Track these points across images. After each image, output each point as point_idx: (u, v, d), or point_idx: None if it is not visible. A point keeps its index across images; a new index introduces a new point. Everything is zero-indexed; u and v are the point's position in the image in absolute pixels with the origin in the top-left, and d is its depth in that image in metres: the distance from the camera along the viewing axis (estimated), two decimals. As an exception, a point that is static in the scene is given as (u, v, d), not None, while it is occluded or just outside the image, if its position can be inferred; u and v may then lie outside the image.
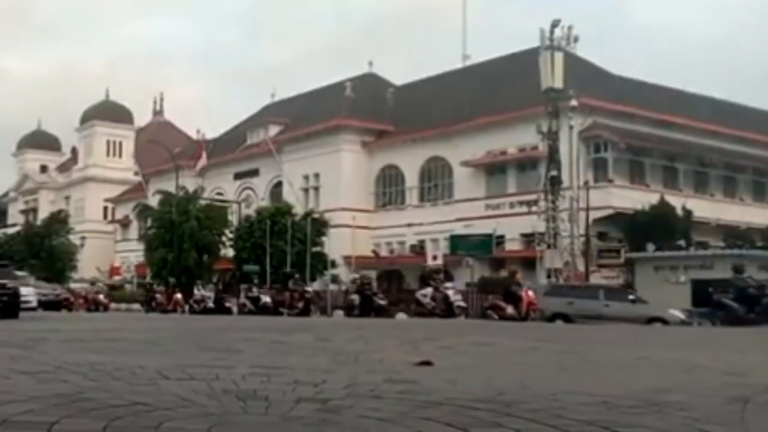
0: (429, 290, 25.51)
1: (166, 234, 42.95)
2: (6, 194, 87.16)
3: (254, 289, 34.97)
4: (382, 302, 27.97)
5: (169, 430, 2.50)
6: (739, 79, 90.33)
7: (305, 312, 30.64)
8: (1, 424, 2.51)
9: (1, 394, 3.17)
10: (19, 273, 38.27)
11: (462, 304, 24.87)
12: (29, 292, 31.34)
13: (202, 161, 57.16)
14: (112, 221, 72.92)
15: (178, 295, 37.52)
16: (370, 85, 55.34)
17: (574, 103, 35.93)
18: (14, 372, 4.13)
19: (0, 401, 2.98)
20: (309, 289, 34.03)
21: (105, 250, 68.04)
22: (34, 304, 31.88)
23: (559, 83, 35.19)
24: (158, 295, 39.18)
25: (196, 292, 37.29)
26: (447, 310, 24.04)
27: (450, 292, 24.94)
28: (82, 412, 2.79)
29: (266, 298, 33.16)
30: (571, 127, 36.43)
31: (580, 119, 38.33)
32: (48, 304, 33.42)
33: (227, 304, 34.42)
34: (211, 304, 35.05)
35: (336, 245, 41.98)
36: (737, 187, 46.01)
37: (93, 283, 40.17)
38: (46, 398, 3.10)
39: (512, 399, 3.41)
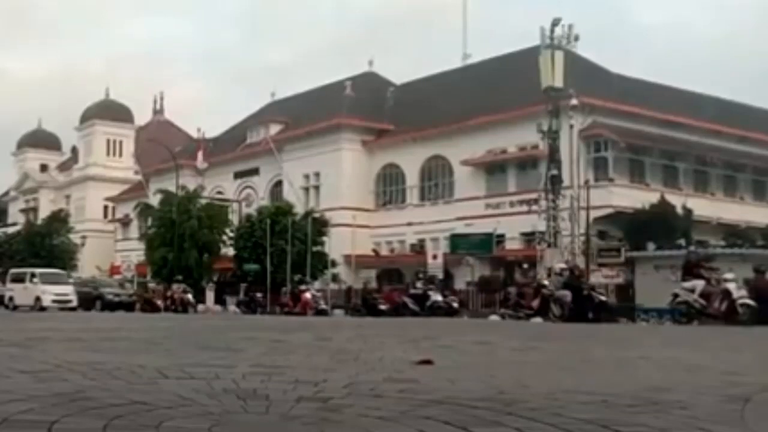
0: (698, 283, 20.98)
1: (167, 233, 42.97)
2: (6, 193, 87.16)
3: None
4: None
5: (169, 430, 2.50)
6: (740, 78, 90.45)
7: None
8: (1, 423, 2.51)
9: (1, 393, 3.17)
10: (52, 271, 38.04)
11: (748, 301, 20.10)
12: (69, 291, 33.36)
13: (200, 160, 57.10)
14: (113, 220, 72.94)
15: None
16: (370, 84, 55.34)
17: (574, 102, 35.92)
18: (14, 371, 4.13)
19: (0, 400, 2.98)
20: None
21: (105, 250, 68.05)
22: (74, 303, 32.70)
23: (559, 82, 35.18)
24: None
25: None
26: (728, 310, 19.85)
27: (731, 286, 20.47)
28: (82, 411, 2.79)
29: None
30: (571, 126, 36.44)
31: (580, 118, 38.33)
32: (119, 305, 33.76)
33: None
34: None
35: (336, 244, 42.01)
36: (737, 186, 46.02)
37: (177, 281, 38.36)
38: (46, 397, 3.10)
39: (512, 398, 3.41)
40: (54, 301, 32.33)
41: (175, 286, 37.27)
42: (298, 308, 31.89)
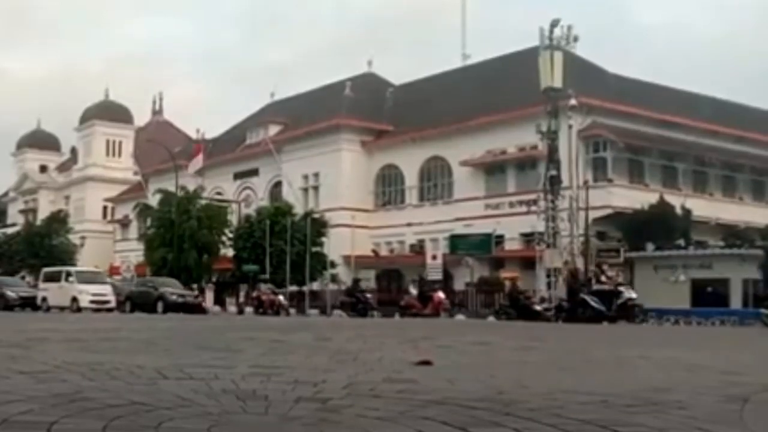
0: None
1: (166, 234, 42.95)
2: (6, 194, 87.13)
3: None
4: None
5: (168, 430, 2.50)
6: (739, 78, 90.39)
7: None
8: (0, 424, 2.51)
9: (0, 394, 3.17)
10: (89, 269, 36.61)
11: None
12: (107, 291, 31.55)
13: (198, 161, 56.99)
14: (112, 221, 72.92)
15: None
16: (369, 84, 55.35)
17: (573, 102, 35.92)
18: (13, 372, 4.13)
19: (-1, 401, 2.98)
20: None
21: (105, 250, 68.00)
22: (113, 304, 30.91)
23: (558, 83, 35.19)
24: None
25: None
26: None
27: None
28: (81, 412, 2.79)
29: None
30: (570, 127, 36.43)
31: (579, 119, 38.32)
32: (183, 307, 30.53)
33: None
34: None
35: (335, 245, 42.00)
36: (736, 186, 46.03)
37: (264, 280, 35.57)
38: (45, 398, 3.10)
39: (511, 398, 3.41)
40: (92, 302, 30.19)
41: (263, 287, 34.39)
42: (429, 310, 28.33)
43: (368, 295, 31.98)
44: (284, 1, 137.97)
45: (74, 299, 30.44)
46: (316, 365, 4.96)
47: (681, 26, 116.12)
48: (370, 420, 2.78)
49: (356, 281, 34.42)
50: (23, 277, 50.97)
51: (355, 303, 31.02)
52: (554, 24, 36.06)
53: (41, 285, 33.78)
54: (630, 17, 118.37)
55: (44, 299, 32.15)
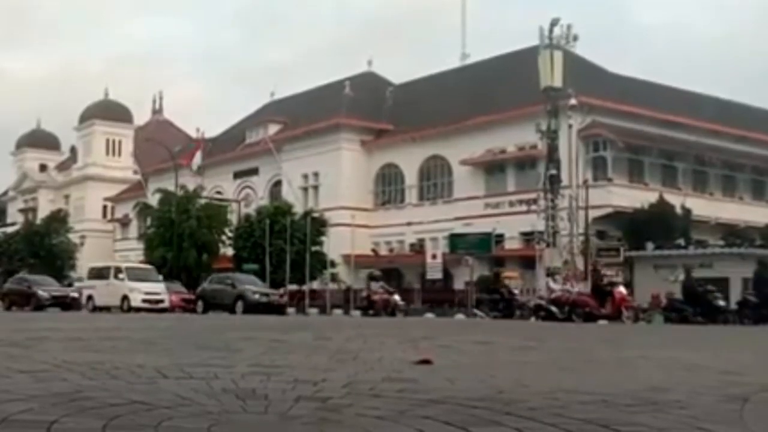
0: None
1: (166, 233, 42.93)
2: (5, 193, 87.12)
3: None
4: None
5: (168, 429, 2.50)
6: (739, 77, 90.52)
7: None
8: (0, 423, 2.51)
9: (0, 393, 3.17)
10: (140, 266, 34.77)
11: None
12: (161, 290, 29.87)
13: (197, 159, 57.05)
14: (112, 220, 72.93)
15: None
16: (369, 84, 55.36)
17: (573, 101, 35.94)
18: (13, 371, 4.13)
19: (-1, 400, 2.97)
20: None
21: (104, 249, 67.96)
22: (167, 303, 29.17)
23: (558, 82, 35.21)
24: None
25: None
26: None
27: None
28: (81, 411, 2.79)
29: None
30: (570, 126, 36.46)
31: (579, 118, 38.35)
32: (267, 307, 28.16)
33: None
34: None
35: (335, 244, 41.99)
36: (736, 185, 46.05)
37: (375, 278, 31.25)
38: (45, 397, 3.10)
39: (511, 397, 3.41)
40: (144, 301, 28.24)
41: (374, 285, 30.22)
42: (608, 310, 23.57)
43: (515, 291, 28.00)
44: (284, 1, 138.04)
45: (125, 298, 28.61)
46: (316, 364, 4.95)
47: (681, 26, 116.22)
48: (371, 419, 2.78)
49: (497, 274, 30.14)
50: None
51: (496, 301, 27.07)
52: (554, 23, 36.09)
53: (86, 283, 31.82)
54: (630, 17, 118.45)
55: (90, 298, 30.31)
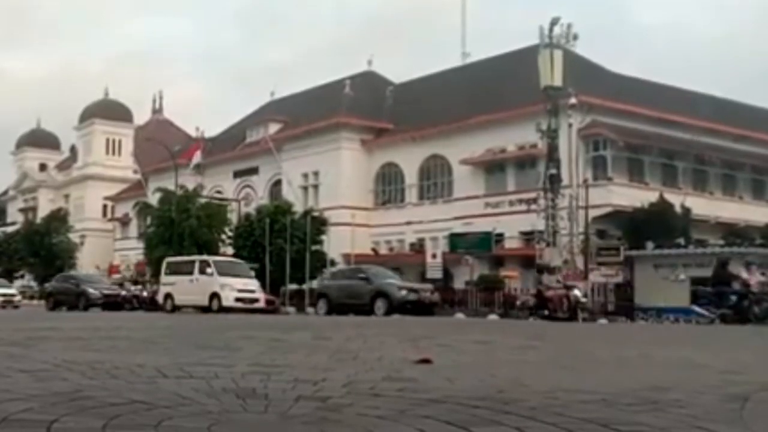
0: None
1: (166, 232, 42.93)
2: (5, 193, 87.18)
3: None
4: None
5: (168, 429, 2.50)
6: (738, 77, 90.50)
7: None
8: (0, 422, 2.51)
9: (0, 392, 3.17)
10: (229, 259, 31.22)
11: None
12: (255, 287, 27.03)
13: (197, 156, 57.09)
14: (112, 219, 72.99)
15: None
16: (369, 83, 55.39)
17: (573, 101, 35.95)
18: (13, 370, 4.13)
19: (-1, 399, 2.97)
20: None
21: (104, 249, 68.07)
22: (262, 303, 26.41)
23: (558, 81, 35.20)
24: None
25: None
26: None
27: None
28: (82, 411, 2.79)
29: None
30: (570, 125, 36.46)
31: (579, 117, 38.35)
32: (415, 306, 23.73)
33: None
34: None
35: (335, 243, 41.99)
36: (736, 184, 46.05)
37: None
38: (45, 396, 3.10)
39: (511, 397, 3.41)
40: (238, 300, 24.95)
41: (547, 278, 25.27)
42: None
43: (753, 281, 21.25)
44: (284, 1, 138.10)
45: (214, 296, 25.08)
46: (316, 364, 4.95)
47: (681, 25, 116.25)
48: (371, 419, 2.78)
49: (724, 264, 22.66)
50: (22, 276, 51.04)
51: (723, 295, 20.97)
52: (554, 22, 36.08)
53: (163, 279, 28.30)
54: (630, 16, 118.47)
55: (168, 297, 27.01)
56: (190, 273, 26.73)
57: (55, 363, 4.57)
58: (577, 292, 23.96)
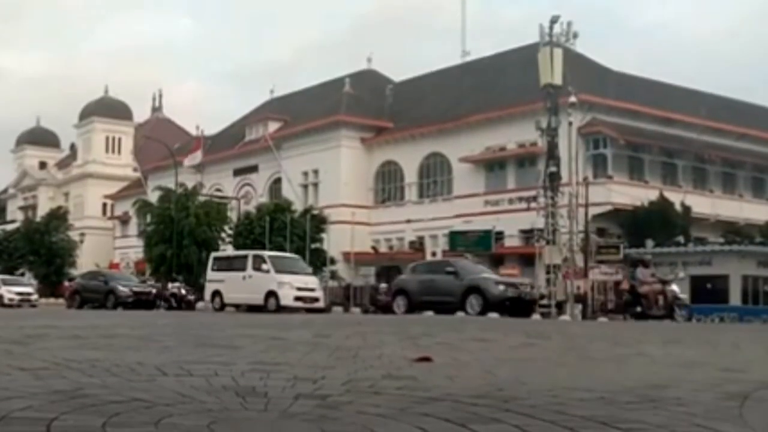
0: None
1: (166, 230, 42.91)
2: (5, 191, 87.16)
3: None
4: None
5: (168, 426, 2.50)
6: (739, 75, 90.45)
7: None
8: (0, 421, 2.51)
9: (0, 391, 3.17)
10: (286, 254, 28.72)
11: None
12: (315, 284, 25.03)
13: (197, 155, 57.08)
14: (112, 217, 72.99)
15: None
16: (369, 81, 55.38)
17: (573, 99, 35.92)
18: (13, 368, 4.13)
19: (-1, 397, 2.97)
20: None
21: (104, 247, 68.05)
22: (322, 302, 24.63)
23: (558, 79, 35.15)
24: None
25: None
26: None
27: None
28: (81, 409, 2.79)
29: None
30: (570, 124, 36.42)
31: (579, 115, 38.34)
32: (514, 303, 20.87)
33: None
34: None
35: (335, 241, 42.01)
36: (736, 183, 46.06)
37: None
38: (45, 394, 3.10)
39: (511, 395, 3.41)
40: (298, 299, 22.94)
41: (641, 272, 21.86)
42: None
43: None
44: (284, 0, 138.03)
45: (271, 295, 23.02)
46: (316, 362, 4.95)
47: (680, 23, 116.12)
48: (370, 416, 2.78)
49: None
50: (22, 274, 50.98)
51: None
52: (554, 21, 36.00)
53: (210, 275, 26.06)
54: (630, 14, 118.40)
55: (216, 295, 24.88)
56: (242, 269, 24.63)
57: (54, 361, 4.57)
58: (675, 288, 21.44)
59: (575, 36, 38.49)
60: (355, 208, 47.50)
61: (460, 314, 19.73)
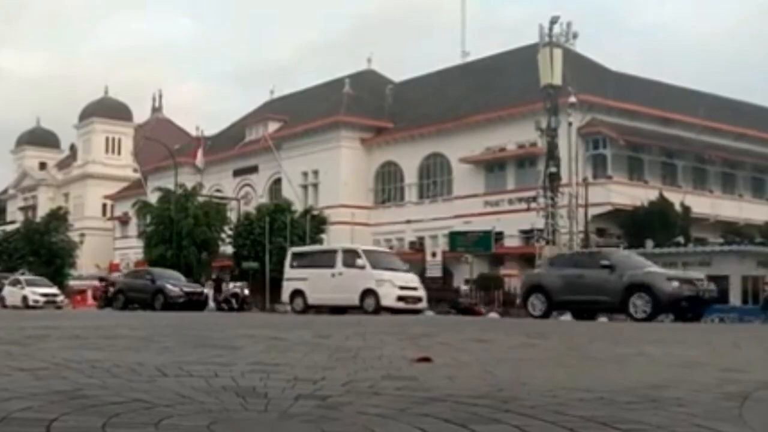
0: None
1: (165, 231, 42.93)
2: (5, 191, 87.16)
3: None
4: None
5: (168, 427, 2.50)
6: (739, 75, 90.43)
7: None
8: (0, 421, 2.51)
9: (0, 391, 3.17)
10: (378, 249, 25.70)
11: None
12: (417, 283, 22.32)
13: (200, 158, 57.12)
14: (111, 218, 72.96)
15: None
16: (369, 81, 55.38)
17: (573, 99, 35.95)
18: (13, 369, 4.13)
19: (-1, 398, 2.97)
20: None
21: (104, 247, 68.03)
22: (425, 303, 22.07)
23: (557, 80, 35.19)
24: None
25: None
26: None
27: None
28: (81, 409, 2.79)
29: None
30: (570, 124, 36.46)
31: (578, 116, 38.36)
32: (692, 302, 17.75)
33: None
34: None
35: (335, 242, 41.93)
36: (736, 183, 46.08)
37: None
38: (45, 395, 3.10)
39: (511, 395, 3.41)
40: (401, 299, 20.71)
41: None
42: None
43: None
44: (284, 0, 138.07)
45: (368, 294, 20.73)
46: (316, 362, 4.95)
47: (680, 23, 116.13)
48: (370, 417, 2.78)
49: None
50: (22, 274, 50.92)
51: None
52: (554, 21, 36.06)
53: (289, 273, 23.53)
54: (630, 15, 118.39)
55: (297, 295, 22.43)
56: (331, 266, 21.99)
57: (54, 362, 4.57)
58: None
59: (575, 36, 38.58)
60: (355, 209, 47.51)
61: (602, 319, 18.03)
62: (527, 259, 37.47)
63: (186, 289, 27.17)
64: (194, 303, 25.96)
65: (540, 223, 35.77)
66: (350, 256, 21.89)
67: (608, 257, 19.13)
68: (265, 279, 38.06)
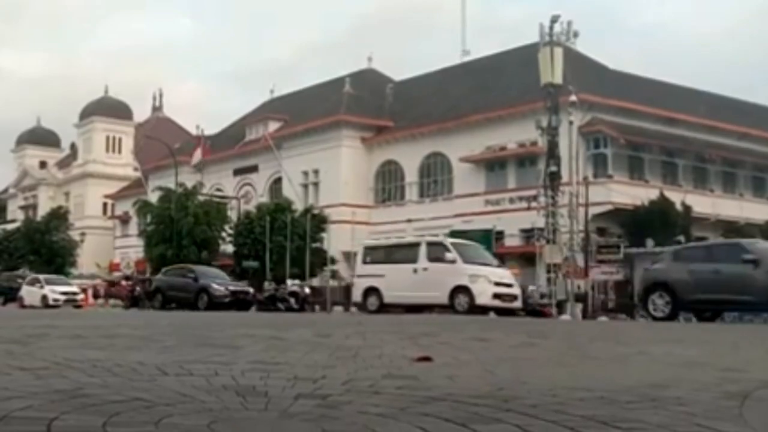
0: None
1: (166, 230, 42.97)
2: (5, 190, 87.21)
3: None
4: None
5: (168, 426, 2.50)
6: (739, 74, 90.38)
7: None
8: (0, 420, 2.51)
9: (0, 390, 3.17)
10: (468, 243, 22.77)
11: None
12: (511, 279, 20.79)
13: (198, 155, 57.16)
14: (112, 217, 73.01)
15: None
16: (369, 80, 55.39)
17: (573, 98, 35.91)
18: (13, 368, 4.13)
19: (-1, 397, 2.97)
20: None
21: (104, 246, 68.10)
22: (519, 302, 20.21)
23: (558, 79, 35.16)
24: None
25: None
26: None
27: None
28: (82, 408, 2.79)
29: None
30: (570, 123, 36.42)
31: (579, 115, 38.31)
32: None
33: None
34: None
35: (335, 241, 42.02)
36: (737, 182, 46.07)
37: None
38: (46, 394, 3.10)
39: (511, 394, 3.41)
40: (496, 296, 18.94)
41: None
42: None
43: None
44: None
45: (459, 291, 18.74)
46: (316, 362, 4.95)
47: (680, 22, 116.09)
48: (370, 416, 2.78)
49: None
50: (23, 273, 50.94)
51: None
52: (554, 20, 36.01)
53: (361, 269, 21.66)
54: (630, 14, 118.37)
55: (371, 292, 20.41)
56: (413, 260, 20.03)
57: (54, 361, 4.57)
58: None
59: (575, 35, 38.56)
60: (355, 208, 47.50)
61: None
62: (528, 259, 37.48)
63: (232, 288, 26.20)
64: (240, 302, 25.05)
65: (540, 222, 35.75)
66: (437, 250, 19.94)
67: (751, 250, 16.17)
68: (266, 277, 38.10)
